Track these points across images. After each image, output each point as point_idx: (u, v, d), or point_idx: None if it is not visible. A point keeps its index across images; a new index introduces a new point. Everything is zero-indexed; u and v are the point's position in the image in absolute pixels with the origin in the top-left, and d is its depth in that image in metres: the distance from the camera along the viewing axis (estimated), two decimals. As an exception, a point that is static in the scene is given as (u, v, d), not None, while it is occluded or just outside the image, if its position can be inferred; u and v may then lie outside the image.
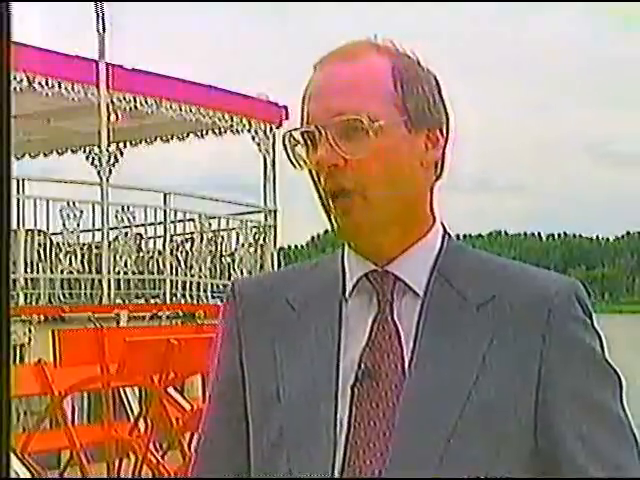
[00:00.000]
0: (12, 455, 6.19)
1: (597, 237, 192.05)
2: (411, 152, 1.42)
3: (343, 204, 1.39)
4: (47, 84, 10.51)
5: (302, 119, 1.44)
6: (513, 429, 1.37)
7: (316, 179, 1.41)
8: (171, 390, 7.38)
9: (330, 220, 1.43)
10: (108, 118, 10.97)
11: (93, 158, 12.67)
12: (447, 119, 1.47)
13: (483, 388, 1.36)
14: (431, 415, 1.36)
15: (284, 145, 1.43)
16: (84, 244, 11.30)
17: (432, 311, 1.41)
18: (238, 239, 13.01)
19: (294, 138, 1.43)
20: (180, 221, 12.56)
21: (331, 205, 1.41)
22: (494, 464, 1.36)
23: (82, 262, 11.04)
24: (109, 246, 11.22)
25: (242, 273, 12.60)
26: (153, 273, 11.87)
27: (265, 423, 1.44)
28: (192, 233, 12.47)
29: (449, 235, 1.48)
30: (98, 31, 10.83)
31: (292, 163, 1.44)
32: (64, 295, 10.86)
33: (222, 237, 12.88)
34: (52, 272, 10.76)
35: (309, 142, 1.41)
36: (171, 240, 12.18)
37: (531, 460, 1.39)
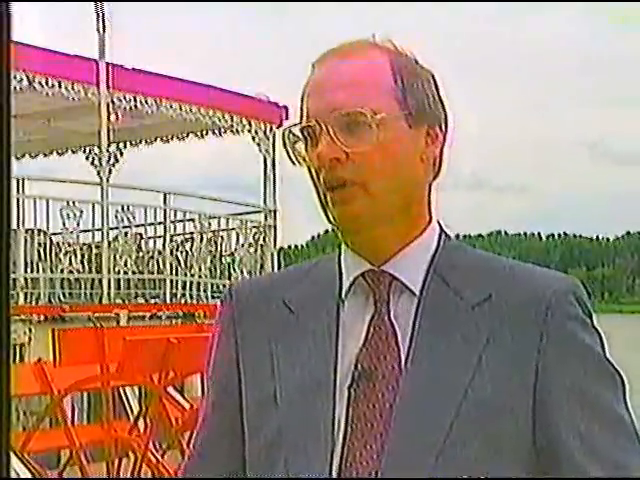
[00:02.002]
0: (12, 454, 6.18)
1: (597, 237, 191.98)
2: (412, 146, 1.42)
3: (342, 194, 1.38)
4: (47, 84, 10.50)
5: (301, 116, 1.43)
6: (510, 428, 1.36)
7: (315, 174, 1.41)
8: (171, 389, 7.38)
9: (327, 216, 1.42)
10: (108, 118, 10.96)
11: (93, 158, 12.68)
12: (445, 117, 1.47)
13: (479, 387, 1.35)
14: (427, 415, 1.36)
15: (283, 142, 1.43)
16: (84, 244, 11.29)
17: (428, 310, 1.41)
18: (238, 239, 13.00)
19: (293, 134, 1.43)
20: (180, 221, 12.56)
21: (329, 198, 1.40)
22: (491, 463, 1.35)
23: (82, 262, 11.03)
24: (109, 246, 11.21)
25: (242, 273, 12.61)
26: (153, 273, 11.86)
27: (262, 424, 1.44)
28: (192, 233, 12.46)
29: (446, 234, 1.48)
30: (98, 31, 10.82)
31: (291, 160, 1.43)
32: (64, 295, 10.86)
33: (222, 237, 12.87)
34: (52, 272, 10.76)
35: (309, 138, 1.41)
36: (171, 240, 12.17)
37: (529, 459, 1.37)
